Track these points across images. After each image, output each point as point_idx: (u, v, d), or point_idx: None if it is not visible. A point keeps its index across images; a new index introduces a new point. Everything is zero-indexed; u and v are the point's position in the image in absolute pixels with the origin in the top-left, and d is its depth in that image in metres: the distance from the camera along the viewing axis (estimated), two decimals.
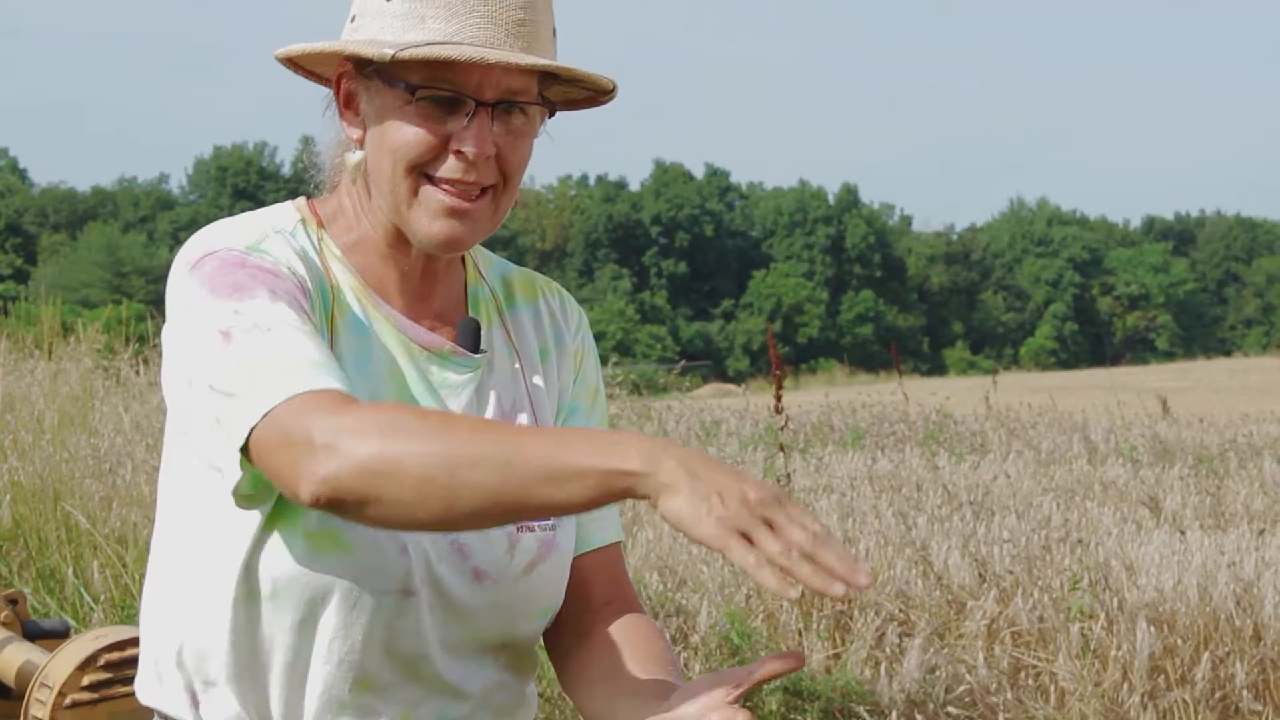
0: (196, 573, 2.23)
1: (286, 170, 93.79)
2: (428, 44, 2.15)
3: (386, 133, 2.20)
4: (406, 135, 2.19)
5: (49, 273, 75.35)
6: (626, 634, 2.33)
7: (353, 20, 2.26)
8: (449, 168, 2.19)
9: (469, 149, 2.18)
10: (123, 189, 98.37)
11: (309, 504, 1.94)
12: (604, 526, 2.45)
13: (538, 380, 2.41)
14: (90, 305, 48.26)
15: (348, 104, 2.27)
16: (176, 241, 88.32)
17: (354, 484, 1.90)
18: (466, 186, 2.20)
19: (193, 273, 2.15)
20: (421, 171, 2.20)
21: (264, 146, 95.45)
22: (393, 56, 2.14)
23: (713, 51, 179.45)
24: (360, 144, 2.26)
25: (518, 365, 2.39)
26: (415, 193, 2.21)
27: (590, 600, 2.40)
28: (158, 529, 2.33)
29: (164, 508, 2.31)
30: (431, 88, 2.17)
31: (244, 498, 2.10)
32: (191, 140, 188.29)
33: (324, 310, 2.22)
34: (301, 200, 2.35)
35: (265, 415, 1.98)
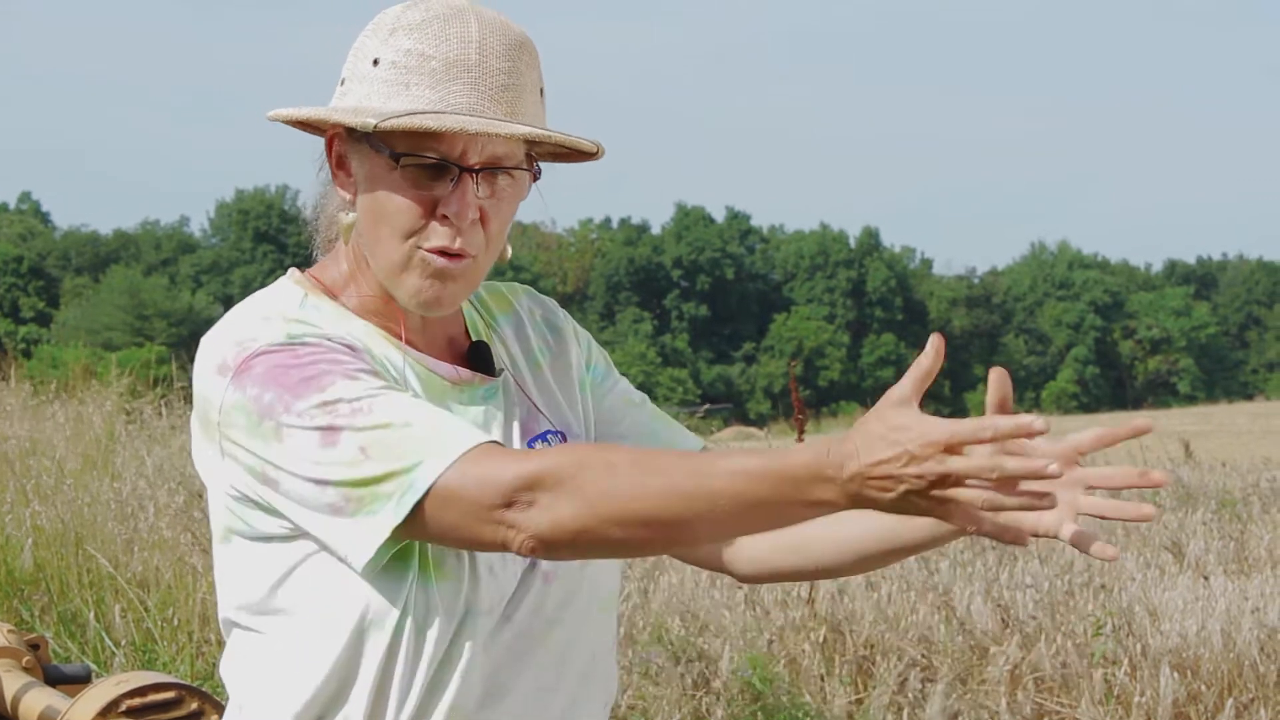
0: (306, 629, 2.20)
1: (309, 213, 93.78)
2: (409, 114, 2.16)
3: (377, 200, 2.22)
4: (395, 204, 2.20)
5: (71, 316, 75.63)
6: None
7: (342, 83, 2.28)
8: (436, 234, 2.20)
9: (453, 215, 2.19)
10: (145, 232, 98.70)
11: (522, 554, 2.04)
12: (682, 437, 2.50)
13: (542, 379, 2.42)
14: (113, 348, 48.44)
15: (340, 165, 2.29)
16: (199, 284, 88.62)
17: (575, 531, 2.00)
18: (453, 253, 2.21)
19: (238, 380, 2.14)
20: (413, 240, 2.21)
21: (285, 189, 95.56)
22: (374, 127, 2.16)
23: (733, 95, 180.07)
24: (354, 204, 2.27)
25: (520, 375, 2.40)
26: (408, 258, 2.22)
27: None
28: (233, 606, 2.28)
29: (240, 583, 2.26)
30: (416, 155, 2.19)
31: (368, 566, 2.11)
32: (213, 183, 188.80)
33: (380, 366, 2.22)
34: (294, 272, 2.35)
35: (436, 480, 2.03)
